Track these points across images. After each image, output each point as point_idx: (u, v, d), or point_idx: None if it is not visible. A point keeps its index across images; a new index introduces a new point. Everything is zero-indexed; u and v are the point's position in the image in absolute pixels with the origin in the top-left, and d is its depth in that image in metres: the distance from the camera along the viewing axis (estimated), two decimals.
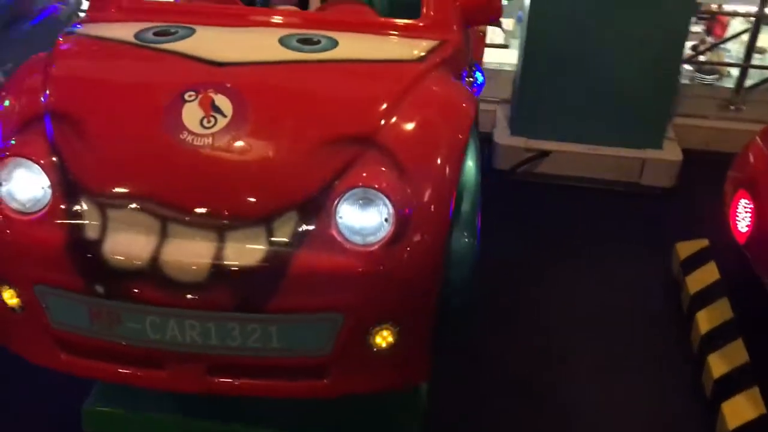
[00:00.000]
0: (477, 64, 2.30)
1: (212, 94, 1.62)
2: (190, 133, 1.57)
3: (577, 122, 3.39)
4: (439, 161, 1.59)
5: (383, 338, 1.55)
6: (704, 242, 2.70)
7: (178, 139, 1.57)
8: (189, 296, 1.51)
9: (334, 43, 1.81)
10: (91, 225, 1.55)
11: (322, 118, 1.63)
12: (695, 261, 2.67)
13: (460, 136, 1.64)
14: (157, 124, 1.60)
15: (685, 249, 2.74)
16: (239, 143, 1.57)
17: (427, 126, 1.65)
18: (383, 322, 1.54)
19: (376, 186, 1.50)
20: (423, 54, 1.85)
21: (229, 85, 1.64)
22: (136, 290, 1.52)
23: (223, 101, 1.61)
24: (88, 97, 1.71)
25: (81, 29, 1.94)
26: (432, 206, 1.54)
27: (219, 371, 1.61)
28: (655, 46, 3.19)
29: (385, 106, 1.64)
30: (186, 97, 1.62)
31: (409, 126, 1.63)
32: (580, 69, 3.28)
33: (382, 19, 2.05)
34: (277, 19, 1.98)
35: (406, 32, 1.97)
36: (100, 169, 1.59)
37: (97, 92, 1.73)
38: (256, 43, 1.83)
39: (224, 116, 1.59)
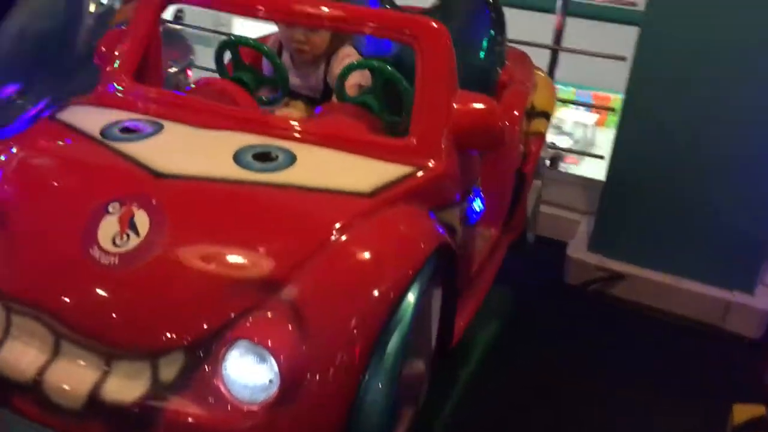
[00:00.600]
0: (477, 189, 2.08)
1: (135, 209, 1.54)
2: (100, 249, 1.50)
3: (659, 247, 3.05)
4: (353, 318, 1.44)
5: None
6: (761, 409, 2.31)
7: (87, 253, 1.50)
8: (64, 421, 1.45)
9: (291, 161, 1.68)
10: None
11: (232, 253, 1.50)
12: (748, 429, 2.28)
13: (394, 282, 1.51)
14: (75, 233, 1.53)
15: (742, 413, 2.36)
16: (142, 269, 1.48)
17: (348, 275, 1.49)
18: None
19: (263, 343, 1.37)
20: (378, 186, 1.66)
21: (154, 202, 1.55)
22: (17, 402, 1.49)
23: (142, 218, 1.52)
24: (23, 191, 1.68)
25: (67, 111, 1.90)
26: (334, 368, 1.41)
27: None
28: (754, 170, 2.83)
29: (303, 250, 1.49)
30: (110, 208, 1.55)
31: (326, 275, 1.48)
32: (669, 188, 2.96)
33: (367, 137, 1.86)
34: (257, 124, 1.85)
35: (385, 153, 1.78)
36: (11, 269, 1.56)
37: (33, 187, 1.69)
38: (209, 153, 1.72)
39: (137, 236, 1.50)
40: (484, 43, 2.53)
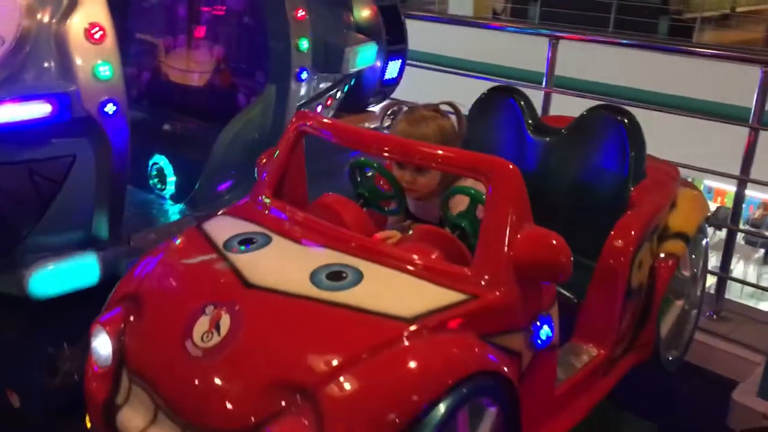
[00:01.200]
0: (546, 317, 2.11)
1: (223, 312, 1.88)
2: (193, 343, 1.86)
3: None
4: (368, 428, 1.65)
5: None
6: None
7: (183, 346, 1.86)
8: None
9: (357, 281, 1.93)
10: (121, 391, 1.98)
11: (283, 359, 1.78)
12: None
13: (412, 401, 1.69)
14: (180, 327, 1.90)
15: None
16: (215, 364, 1.81)
17: (368, 390, 1.70)
18: None
19: None
20: (421, 312, 1.83)
21: (237, 308, 1.88)
22: None
23: (225, 321, 1.86)
24: (155, 289, 2.10)
25: (211, 221, 2.33)
26: None
27: None
28: None
29: (336, 362, 1.72)
30: (206, 309, 1.91)
31: (350, 388, 1.69)
32: None
33: (435, 263, 2.03)
34: (346, 243, 2.11)
35: (447, 280, 1.95)
36: (136, 350, 1.99)
37: (162, 285, 2.12)
38: (294, 268, 2.02)
39: (219, 335, 1.84)
40: (616, 158, 2.67)
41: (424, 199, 2.42)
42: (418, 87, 4.55)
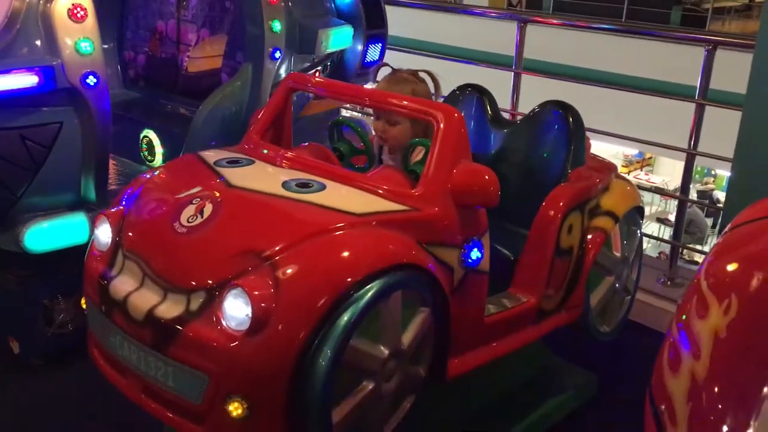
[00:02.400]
0: (478, 241, 2.44)
1: (206, 202, 2.26)
2: (180, 224, 2.23)
3: None
4: (313, 290, 2.01)
5: (235, 408, 2.00)
6: None
7: (171, 226, 2.23)
8: (133, 328, 2.17)
9: (320, 189, 2.32)
10: (116, 265, 2.31)
11: (250, 234, 2.16)
12: None
13: (351, 274, 2.04)
14: (170, 213, 2.28)
15: None
16: (196, 238, 2.18)
17: (316, 260, 2.06)
18: (234, 395, 1.97)
19: (247, 290, 1.97)
20: (368, 211, 2.23)
21: (219, 199, 2.26)
22: (113, 314, 2.24)
23: (208, 208, 2.23)
24: (153, 189, 2.49)
25: (208, 151, 2.75)
26: (293, 319, 1.98)
27: (148, 393, 2.19)
28: None
29: (296, 237, 2.10)
30: (193, 200, 2.29)
31: (301, 257, 2.06)
32: None
33: (387, 185, 2.40)
34: (318, 170, 2.50)
35: (394, 196, 2.34)
36: (130, 235, 2.36)
37: (159, 186, 2.51)
38: (270, 179, 2.45)
39: (201, 218, 2.21)
40: (558, 147, 3.06)
41: (396, 151, 2.74)
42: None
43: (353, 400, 2.13)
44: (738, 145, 3.26)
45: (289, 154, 2.62)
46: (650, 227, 11.76)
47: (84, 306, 2.48)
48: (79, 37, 2.89)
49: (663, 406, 1.35)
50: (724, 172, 14.57)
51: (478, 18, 8.76)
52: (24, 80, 2.81)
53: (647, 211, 13.04)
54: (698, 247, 7.98)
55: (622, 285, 3.29)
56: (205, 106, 3.55)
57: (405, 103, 2.55)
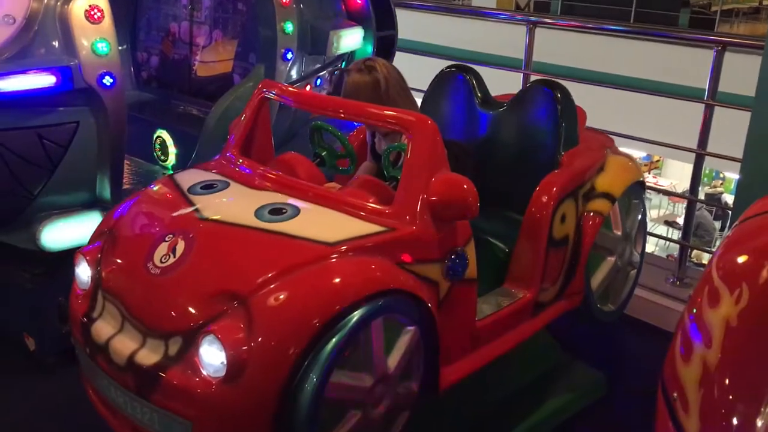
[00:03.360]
0: (461, 252, 2.40)
1: (179, 239, 2.23)
2: (153, 264, 2.21)
3: None
4: (289, 328, 1.99)
5: None
6: None
7: (145, 266, 2.22)
8: (117, 373, 2.17)
9: (293, 216, 2.29)
10: (97, 307, 2.33)
11: (223, 273, 2.13)
12: None
13: (327, 307, 2.02)
14: (143, 252, 2.26)
15: None
16: (170, 279, 2.16)
17: (290, 297, 2.03)
18: None
19: (220, 337, 1.96)
20: (341, 239, 2.19)
21: (191, 235, 2.23)
22: (97, 358, 2.25)
23: (180, 246, 2.21)
24: (127, 224, 2.46)
25: (183, 173, 2.73)
26: (271, 361, 1.96)
27: None
28: None
29: (268, 276, 2.06)
30: (166, 238, 2.26)
31: (275, 295, 2.03)
32: None
33: (361, 203, 2.36)
34: (294, 189, 2.46)
35: (371, 215, 2.30)
36: (108, 273, 2.34)
37: (133, 221, 2.47)
38: (242, 206, 2.37)
39: (174, 257, 2.19)
40: (549, 127, 3.01)
41: (390, 135, 2.75)
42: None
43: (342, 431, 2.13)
44: (747, 146, 3.28)
45: (265, 171, 2.57)
46: (658, 230, 11.75)
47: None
48: (95, 38, 2.93)
49: (675, 394, 1.37)
50: (733, 175, 14.57)
51: (487, 21, 8.81)
52: (42, 80, 2.85)
53: (655, 214, 13.09)
54: (707, 247, 7.94)
55: (626, 261, 3.24)
56: (218, 106, 3.59)
57: (376, 113, 2.51)
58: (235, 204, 2.42)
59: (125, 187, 3.46)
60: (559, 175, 2.89)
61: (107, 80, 2.98)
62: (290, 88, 2.84)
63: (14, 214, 3.14)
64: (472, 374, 2.53)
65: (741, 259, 1.55)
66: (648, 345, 3.78)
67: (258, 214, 2.30)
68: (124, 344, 2.15)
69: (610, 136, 3.54)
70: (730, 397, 1.27)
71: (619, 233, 3.15)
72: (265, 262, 2.13)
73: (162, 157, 3.94)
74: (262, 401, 1.96)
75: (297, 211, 2.31)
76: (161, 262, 2.19)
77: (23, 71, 2.80)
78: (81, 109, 3.02)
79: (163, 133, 3.89)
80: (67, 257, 3.21)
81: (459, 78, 3.25)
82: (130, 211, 2.52)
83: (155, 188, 2.64)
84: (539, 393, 3.12)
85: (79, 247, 3.17)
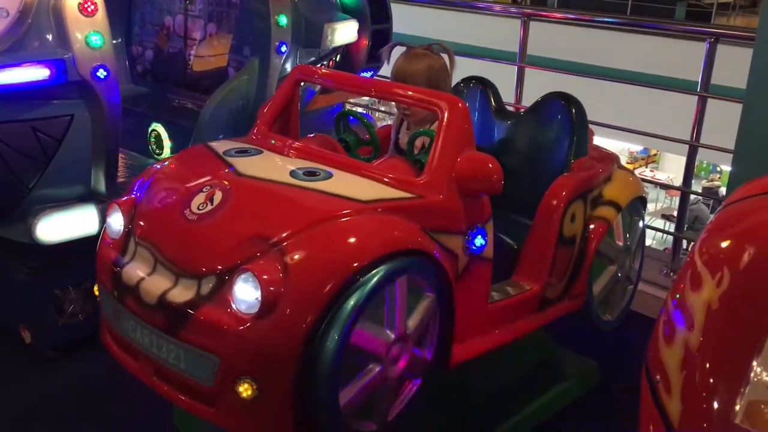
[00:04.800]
0: (482, 228, 2.49)
1: (216, 191, 2.29)
2: (190, 211, 2.27)
3: None
4: (320, 275, 2.05)
5: (245, 389, 2.04)
6: None
7: (182, 213, 2.28)
8: (146, 312, 2.21)
9: (327, 178, 2.38)
10: (128, 252, 2.36)
11: (259, 220, 2.21)
12: None
13: (357, 259, 2.09)
14: (181, 201, 2.33)
15: None
16: (207, 224, 2.22)
17: (323, 245, 2.10)
18: (244, 376, 2.02)
19: (257, 274, 2.01)
20: (375, 198, 2.28)
21: (229, 187, 2.30)
22: (126, 300, 2.28)
23: (218, 196, 2.27)
24: (164, 178, 2.53)
25: (216, 141, 2.79)
26: (300, 303, 2.03)
27: (160, 375, 2.23)
28: None
29: (298, 225, 2.14)
30: (203, 188, 2.33)
31: (310, 242, 2.10)
32: None
33: (392, 174, 2.44)
34: (325, 159, 2.54)
35: (400, 184, 2.38)
36: (142, 222, 2.41)
37: (169, 175, 2.56)
38: (278, 167, 2.49)
39: (211, 205, 2.25)
40: (561, 137, 3.11)
41: (419, 123, 2.78)
42: None
43: (360, 383, 2.17)
44: (738, 138, 3.29)
45: (296, 144, 2.66)
46: (656, 224, 11.78)
47: (97, 293, 2.53)
48: (89, 31, 2.94)
49: (658, 376, 1.39)
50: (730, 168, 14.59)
51: (479, 14, 8.82)
52: (35, 73, 2.87)
53: (653, 207, 13.12)
54: None
55: (625, 274, 3.33)
56: (212, 100, 3.60)
57: (410, 93, 2.59)
58: (270, 165, 2.52)
59: (120, 180, 3.48)
60: (571, 176, 2.99)
61: (101, 73, 3.00)
62: (325, 70, 3.01)
63: (9, 207, 3.16)
64: (466, 362, 2.57)
65: (723, 244, 1.57)
66: (639, 334, 3.78)
67: (293, 174, 2.38)
68: (156, 284, 2.20)
69: (610, 129, 3.57)
70: (711, 379, 1.29)
71: (621, 244, 3.24)
72: (301, 211, 2.22)
73: (157, 151, 3.95)
74: (291, 340, 2.01)
75: (330, 174, 2.40)
76: (198, 209, 2.26)
77: (17, 64, 2.81)
78: (75, 102, 3.04)
79: (158, 127, 3.91)
80: (62, 250, 3.25)
81: (476, 89, 3.37)
82: (166, 168, 2.60)
83: (189, 151, 2.75)
84: (532, 383, 3.16)
85: (73, 241, 3.24)
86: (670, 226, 11.54)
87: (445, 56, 2.81)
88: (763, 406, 1.25)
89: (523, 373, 3.19)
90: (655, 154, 15.28)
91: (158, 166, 2.63)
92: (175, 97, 4.20)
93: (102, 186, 3.29)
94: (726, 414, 1.27)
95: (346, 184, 2.37)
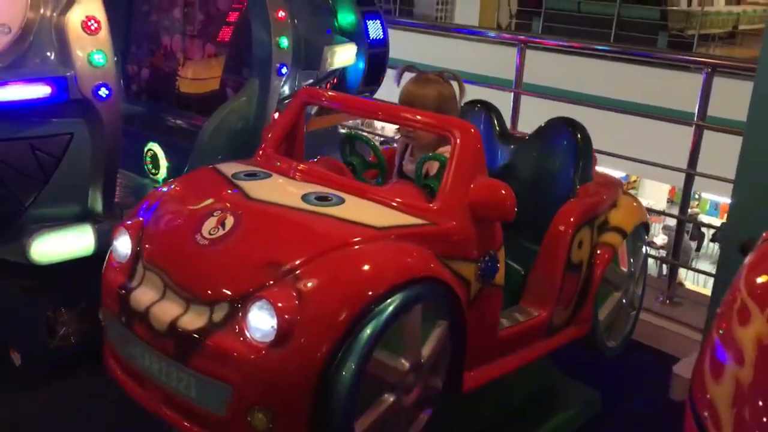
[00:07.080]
0: (494, 255, 2.48)
1: (228, 215, 2.27)
2: (201, 236, 2.24)
3: None
4: (335, 303, 2.02)
5: (258, 420, 2.00)
6: None
7: (193, 237, 2.25)
8: (155, 339, 2.17)
9: (339, 203, 2.35)
10: (136, 277, 2.32)
11: (273, 246, 2.18)
12: None
13: (373, 287, 2.07)
14: (191, 225, 2.30)
15: None
16: (219, 249, 2.19)
17: (338, 273, 2.08)
18: (258, 406, 1.99)
19: (272, 302, 1.98)
20: (388, 225, 2.27)
21: (240, 212, 2.28)
22: (134, 326, 2.24)
23: (229, 221, 2.25)
24: (172, 201, 2.50)
25: (224, 164, 2.75)
26: (316, 332, 2.00)
27: (169, 404, 2.18)
28: None
29: (312, 252, 2.12)
30: (214, 213, 2.30)
31: (325, 270, 2.08)
32: None
33: (403, 199, 2.42)
34: (335, 183, 2.52)
35: (412, 210, 2.36)
36: (151, 246, 2.37)
37: (178, 199, 2.52)
38: (288, 192, 2.47)
39: (223, 230, 2.23)
40: (567, 162, 3.10)
41: (423, 149, 2.78)
42: None
43: (375, 413, 2.14)
44: (739, 170, 3.30)
45: (303, 167, 2.64)
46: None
47: (101, 317, 2.46)
48: (92, 49, 2.89)
49: (706, 413, 1.37)
50: (709, 196, 14.74)
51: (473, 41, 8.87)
52: (37, 90, 2.81)
53: None
54: (706, 268, 8.00)
55: (629, 300, 3.32)
56: (211, 120, 3.57)
57: (419, 117, 2.58)
58: (281, 189, 2.49)
59: (116, 200, 3.42)
60: (578, 202, 2.98)
61: (103, 92, 2.95)
62: (331, 93, 3.01)
63: (4, 226, 3.09)
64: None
65: None
66: (637, 362, 3.80)
67: (305, 198, 2.36)
68: (166, 311, 2.16)
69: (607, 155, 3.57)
70: (765, 417, 1.27)
71: (626, 270, 3.24)
72: (313, 237, 2.20)
73: (153, 170, 3.90)
74: (307, 369, 1.98)
75: (342, 199, 2.38)
76: (210, 234, 2.23)
77: (19, 81, 2.76)
78: (75, 120, 2.98)
79: (155, 146, 3.86)
80: (55, 270, 3.18)
81: (480, 113, 3.38)
82: (173, 191, 2.57)
83: (197, 173, 2.71)
84: (534, 411, 3.13)
85: (68, 263, 3.17)
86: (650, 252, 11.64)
87: (455, 84, 2.80)
88: None
89: (525, 400, 3.16)
90: (634, 180, 15.40)
91: (165, 189, 2.58)
92: (171, 116, 4.16)
93: (99, 206, 3.23)
94: None
95: (359, 209, 2.34)
